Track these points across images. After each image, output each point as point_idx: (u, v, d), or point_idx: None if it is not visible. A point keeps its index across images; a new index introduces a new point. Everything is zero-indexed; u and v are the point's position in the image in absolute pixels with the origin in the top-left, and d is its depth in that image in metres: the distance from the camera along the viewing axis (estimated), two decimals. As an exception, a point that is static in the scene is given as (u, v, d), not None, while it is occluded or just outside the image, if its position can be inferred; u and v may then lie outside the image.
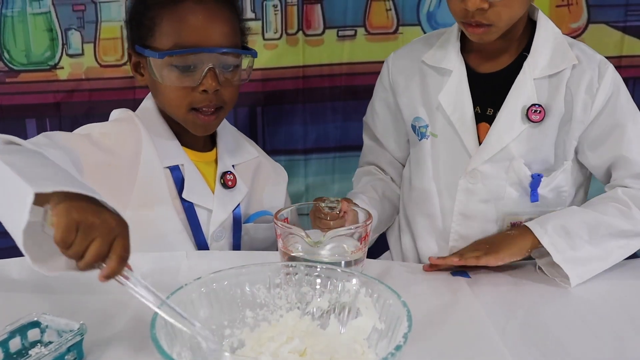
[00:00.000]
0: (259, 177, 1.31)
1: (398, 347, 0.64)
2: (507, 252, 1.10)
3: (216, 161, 1.25)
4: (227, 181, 1.22)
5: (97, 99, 1.67)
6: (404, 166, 1.37)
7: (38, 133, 1.64)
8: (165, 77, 1.13)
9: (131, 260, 0.82)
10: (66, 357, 0.79)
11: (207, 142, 1.26)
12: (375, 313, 0.76)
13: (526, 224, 1.12)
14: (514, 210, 1.19)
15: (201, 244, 1.18)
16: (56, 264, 0.78)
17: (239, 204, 1.23)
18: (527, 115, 1.15)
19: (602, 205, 1.14)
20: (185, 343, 0.73)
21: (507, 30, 1.14)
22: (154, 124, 1.20)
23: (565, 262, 1.06)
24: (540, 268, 1.11)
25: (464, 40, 1.22)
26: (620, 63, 1.71)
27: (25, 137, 1.62)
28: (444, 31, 1.27)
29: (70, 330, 0.80)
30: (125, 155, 1.13)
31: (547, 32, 1.18)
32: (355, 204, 1.06)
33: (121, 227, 0.76)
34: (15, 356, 0.80)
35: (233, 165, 1.26)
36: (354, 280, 0.80)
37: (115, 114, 1.24)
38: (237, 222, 1.23)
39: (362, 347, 0.74)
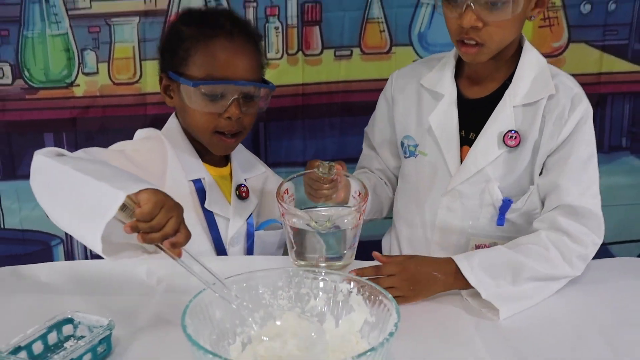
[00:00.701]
0: (267, 190, 1.44)
1: (391, 334, 0.76)
2: (426, 295, 1.09)
3: (230, 175, 1.38)
4: (242, 193, 1.35)
5: (110, 114, 1.77)
6: (395, 177, 1.45)
7: (55, 146, 1.78)
8: (195, 103, 1.25)
9: (156, 265, 0.96)
10: (97, 348, 0.90)
11: (222, 159, 1.39)
12: (366, 308, 0.88)
13: (454, 258, 1.10)
14: (485, 232, 1.25)
15: (220, 249, 1.31)
16: (121, 254, 0.95)
17: (251, 214, 1.36)
18: (503, 140, 1.21)
19: (526, 248, 1.12)
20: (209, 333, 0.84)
21: (497, 54, 1.20)
22: (178, 142, 1.32)
23: (493, 297, 1.05)
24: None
25: (458, 66, 1.30)
26: (600, 79, 1.82)
27: (43, 150, 1.77)
28: (444, 55, 1.34)
29: (101, 326, 0.92)
30: (153, 169, 1.26)
31: (530, 62, 1.23)
32: (348, 173, 1.14)
33: (182, 212, 0.93)
34: (52, 348, 0.92)
35: (245, 179, 1.39)
36: (347, 282, 0.91)
37: (142, 133, 1.36)
38: (251, 230, 1.35)
39: (355, 337, 0.86)
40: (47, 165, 1.02)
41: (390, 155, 1.43)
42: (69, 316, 0.95)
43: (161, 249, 0.91)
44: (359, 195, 1.11)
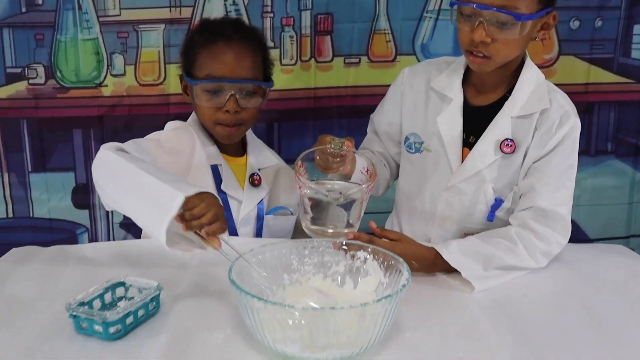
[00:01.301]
0: (279, 180, 1.59)
1: (404, 286, 0.91)
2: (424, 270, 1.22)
3: (245, 165, 1.53)
4: (254, 180, 1.51)
5: (135, 113, 1.90)
6: (396, 162, 1.53)
7: (83, 142, 1.93)
8: (199, 98, 1.44)
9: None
10: (149, 305, 1.04)
11: (239, 150, 1.55)
12: (380, 272, 1.02)
13: (435, 247, 1.23)
14: (476, 224, 1.37)
15: (231, 229, 1.44)
16: (178, 246, 1.09)
17: (262, 199, 1.51)
18: (500, 147, 1.32)
19: (497, 242, 1.25)
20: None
21: (502, 67, 1.30)
22: (199, 133, 1.48)
23: (470, 278, 1.18)
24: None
25: (466, 74, 1.38)
26: (588, 89, 1.96)
27: (72, 145, 1.92)
28: (454, 60, 1.43)
29: (150, 287, 1.06)
30: (183, 153, 1.42)
31: (530, 77, 1.33)
32: (355, 149, 1.24)
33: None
34: (108, 307, 1.05)
35: (259, 169, 1.54)
36: (363, 250, 1.06)
37: (173, 124, 1.51)
38: (260, 213, 1.51)
39: (371, 296, 1.00)
40: (114, 160, 1.17)
41: (392, 143, 1.52)
42: (122, 280, 1.09)
43: (198, 235, 1.06)
44: (367, 171, 1.22)
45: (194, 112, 1.53)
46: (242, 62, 1.43)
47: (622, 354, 0.98)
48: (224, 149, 1.51)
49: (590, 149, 2.01)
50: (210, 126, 1.47)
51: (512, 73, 1.35)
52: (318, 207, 1.19)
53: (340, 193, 1.14)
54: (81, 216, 1.98)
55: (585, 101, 1.96)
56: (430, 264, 1.22)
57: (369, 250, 1.06)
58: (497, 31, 1.22)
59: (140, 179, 1.11)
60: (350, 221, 1.20)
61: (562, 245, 1.29)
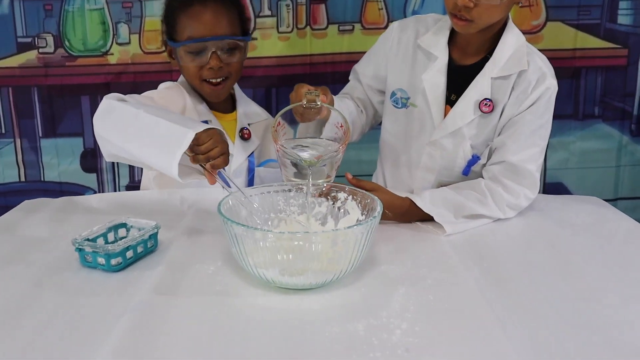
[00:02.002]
0: (268, 134, 1.68)
1: (374, 217, 1.00)
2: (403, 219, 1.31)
3: (235, 120, 1.63)
4: (244, 134, 1.61)
5: (140, 80, 1.99)
6: (375, 109, 1.59)
7: (91, 108, 2.03)
8: (183, 60, 1.53)
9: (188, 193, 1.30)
10: (147, 242, 1.14)
11: (227, 106, 1.65)
12: (358, 211, 1.11)
13: (409, 196, 1.31)
14: (452, 177, 1.44)
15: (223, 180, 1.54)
16: (189, 177, 1.19)
17: (252, 152, 1.60)
18: (479, 107, 1.38)
19: (467, 193, 1.34)
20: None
21: (486, 28, 1.35)
22: (189, 91, 1.58)
23: (442, 222, 1.26)
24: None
25: (452, 33, 1.43)
26: (575, 54, 2.02)
27: (80, 111, 2.02)
28: (441, 18, 1.47)
29: (149, 226, 1.16)
30: (175, 111, 1.49)
31: (511, 40, 1.38)
32: (331, 104, 1.28)
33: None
34: (110, 244, 1.15)
35: (248, 124, 1.63)
36: (343, 192, 1.15)
37: (165, 84, 1.61)
38: (251, 165, 1.60)
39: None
40: (119, 107, 1.26)
41: (375, 92, 1.58)
42: (124, 221, 1.19)
43: (203, 167, 1.15)
44: (341, 127, 1.26)
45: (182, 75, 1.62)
46: (219, 20, 1.50)
47: (586, 288, 1.05)
48: (213, 106, 1.60)
49: (578, 113, 2.08)
50: (197, 84, 1.55)
51: (494, 35, 1.41)
52: (297, 166, 1.25)
53: (316, 159, 1.17)
54: (89, 179, 2.09)
55: (573, 66, 2.03)
56: (405, 212, 1.30)
57: (347, 190, 1.14)
58: None
59: (149, 120, 1.19)
60: (327, 172, 1.26)
61: (530, 200, 1.37)
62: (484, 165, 1.42)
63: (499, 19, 1.36)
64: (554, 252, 1.18)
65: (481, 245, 1.22)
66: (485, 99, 1.39)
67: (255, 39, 1.98)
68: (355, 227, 0.97)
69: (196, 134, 1.13)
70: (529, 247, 1.22)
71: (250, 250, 0.96)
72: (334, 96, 1.36)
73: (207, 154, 1.14)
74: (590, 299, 1.01)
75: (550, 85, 1.38)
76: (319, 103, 1.20)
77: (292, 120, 1.25)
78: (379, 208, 1.04)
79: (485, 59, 1.41)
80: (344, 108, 1.50)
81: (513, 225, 1.33)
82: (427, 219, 1.29)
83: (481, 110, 1.39)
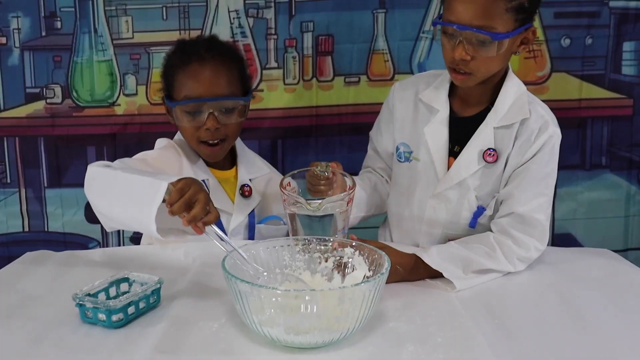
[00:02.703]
0: (270, 189, 1.64)
1: (382, 274, 0.98)
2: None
3: (235, 177, 1.60)
4: (245, 192, 1.57)
5: (146, 130, 2.00)
6: None
7: (97, 158, 2.04)
8: (179, 120, 1.50)
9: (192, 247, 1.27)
10: (150, 298, 1.12)
11: (226, 163, 1.61)
12: (365, 266, 1.09)
13: (416, 252, 1.28)
14: (459, 230, 1.42)
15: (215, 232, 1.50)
16: (170, 235, 1.16)
17: (253, 210, 1.57)
18: (483, 157, 1.38)
19: (476, 247, 1.31)
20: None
21: (485, 80, 1.36)
22: (185, 150, 1.55)
23: (452, 278, 1.23)
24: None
25: (452, 86, 1.44)
26: (580, 105, 2.03)
27: (86, 161, 2.03)
28: (442, 73, 1.47)
29: (152, 281, 1.13)
30: (170, 172, 1.46)
31: (511, 89, 1.39)
32: (342, 171, 1.31)
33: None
34: (112, 299, 1.13)
35: (250, 179, 1.60)
36: (349, 247, 1.13)
37: (160, 143, 1.59)
38: (252, 223, 1.56)
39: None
40: (101, 173, 1.25)
41: (391, 157, 1.57)
42: (126, 275, 1.16)
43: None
44: (349, 188, 1.28)
45: (179, 132, 1.59)
46: (218, 80, 1.47)
47: (599, 344, 1.02)
48: (211, 163, 1.57)
49: (585, 163, 2.07)
50: (195, 145, 1.52)
51: (495, 85, 1.41)
52: (302, 221, 1.24)
53: (320, 202, 1.18)
54: (93, 230, 2.08)
55: (579, 116, 2.04)
56: (413, 269, 1.27)
57: (354, 245, 1.13)
58: (476, 49, 1.29)
59: (125, 179, 1.18)
60: (335, 235, 1.25)
61: (540, 251, 1.35)
62: (491, 216, 1.41)
63: (498, 70, 1.37)
64: (566, 308, 1.15)
65: (491, 300, 1.19)
66: (489, 148, 1.39)
67: (262, 90, 2.00)
68: (362, 284, 0.94)
69: (168, 188, 1.09)
70: (541, 302, 1.19)
71: (255, 308, 0.94)
72: (354, 177, 1.35)
73: (191, 212, 1.08)
74: (604, 356, 0.97)
75: (553, 133, 1.37)
76: (329, 169, 1.23)
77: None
78: (386, 264, 1.01)
79: (487, 109, 1.42)
80: (367, 182, 1.54)
81: (524, 279, 1.30)
82: (436, 275, 1.26)
83: (485, 160, 1.39)
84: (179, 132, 1.59)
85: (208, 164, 1.56)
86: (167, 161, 1.51)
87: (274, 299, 0.93)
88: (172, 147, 1.55)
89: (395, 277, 1.23)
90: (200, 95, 1.46)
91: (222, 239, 1.10)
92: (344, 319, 0.94)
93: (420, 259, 1.27)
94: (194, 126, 1.48)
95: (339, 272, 1.14)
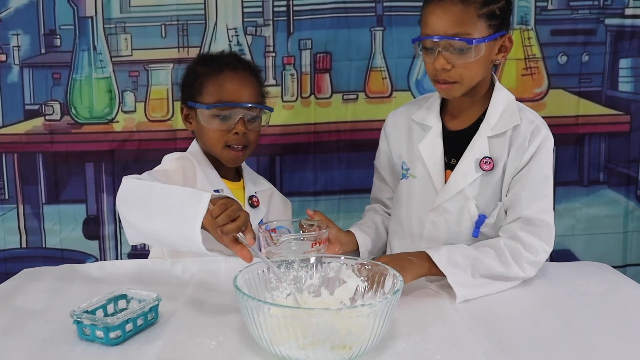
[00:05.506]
0: (273, 203, 1.69)
1: (397, 290, 0.99)
2: (410, 275, 1.26)
3: (243, 188, 1.63)
4: (254, 202, 1.61)
5: (145, 147, 2.01)
6: None
7: (95, 175, 2.03)
8: (209, 123, 1.54)
9: (190, 263, 1.29)
10: (148, 315, 1.11)
11: (235, 175, 1.65)
12: (357, 278, 1.09)
13: (426, 250, 1.30)
14: (462, 241, 1.42)
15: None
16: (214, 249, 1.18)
17: (261, 220, 1.59)
18: (479, 165, 1.40)
19: (485, 250, 1.32)
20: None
21: (472, 93, 1.41)
22: (200, 161, 1.58)
23: (454, 283, 1.24)
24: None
25: (443, 104, 1.51)
26: (578, 121, 2.04)
27: (84, 178, 2.03)
28: (431, 95, 1.54)
29: (150, 298, 1.13)
30: (188, 183, 1.50)
31: (501, 99, 1.43)
32: (322, 223, 1.37)
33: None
34: (110, 316, 1.12)
35: (255, 192, 1.63)
36: (336, 261, 1.14)
37: (172, 156, 1.59)
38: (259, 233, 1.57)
39: (349, 301, 1.08)
40: (139, 184, 1.25)
41: (394, 184, 1.59)
42: (124, 292, 1.16)
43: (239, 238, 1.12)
44: (321, 237, 1.32)
45: (194, 142, 1.63)
46: (247, 88, 1.56)
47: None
48: (222, 174, 1.60)
49: (583, 179, 2.08)
50: (219, 149, 1.56)
51: (483, 97, 1.45)
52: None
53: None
54: (91, 247, 2.07)
55: (576, 133, 2.05)
56: (427, 263, 1.28)
57: (341, 259, 1.14)
58: (455, 57, 1.34)
59: (164, 191, 1.18)
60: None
61: (547, 253, 1.36)
62: (493, 225, 1.42)
63: (480, 77, 1.40)
64: (565, 325, 1.15)
65: (491, 317, 1.18)
66: (485, 157, 1.41)
67: (261, 107, 2.00)
68: (376, 302, 0.95)
69: (211, 201, 1.11)
70: (540, 318, 1.19)
71: (267, 325, 0.93)
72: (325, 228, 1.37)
73: (228, 226, 1.10)
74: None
75: (545, 135, 1.40)
76: (316, 219, 1.36)
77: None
78: (399, 285, 1.01)
79: (479, 121, 1.45)
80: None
81: (523, 295, 1.29)
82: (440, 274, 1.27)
83: (482, 169, 1.41)
84: (193, 144, 1.64)
85: (220, 175, 1.60)
86: (184, 171, 1.54)
87: (285, 317, 0.93)
88: (187, 158, 1.58)
89: (412, 270, 1.26)
90: (232, 100, 1.54)
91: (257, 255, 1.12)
92: (357, 336, 0.94)
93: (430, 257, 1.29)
94: (222, 129, 1.54)
95: (325, 288, 1.14)
